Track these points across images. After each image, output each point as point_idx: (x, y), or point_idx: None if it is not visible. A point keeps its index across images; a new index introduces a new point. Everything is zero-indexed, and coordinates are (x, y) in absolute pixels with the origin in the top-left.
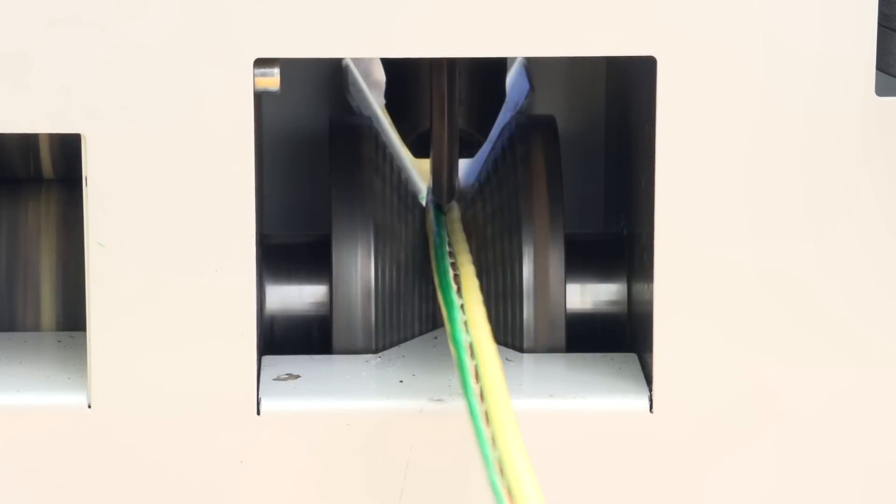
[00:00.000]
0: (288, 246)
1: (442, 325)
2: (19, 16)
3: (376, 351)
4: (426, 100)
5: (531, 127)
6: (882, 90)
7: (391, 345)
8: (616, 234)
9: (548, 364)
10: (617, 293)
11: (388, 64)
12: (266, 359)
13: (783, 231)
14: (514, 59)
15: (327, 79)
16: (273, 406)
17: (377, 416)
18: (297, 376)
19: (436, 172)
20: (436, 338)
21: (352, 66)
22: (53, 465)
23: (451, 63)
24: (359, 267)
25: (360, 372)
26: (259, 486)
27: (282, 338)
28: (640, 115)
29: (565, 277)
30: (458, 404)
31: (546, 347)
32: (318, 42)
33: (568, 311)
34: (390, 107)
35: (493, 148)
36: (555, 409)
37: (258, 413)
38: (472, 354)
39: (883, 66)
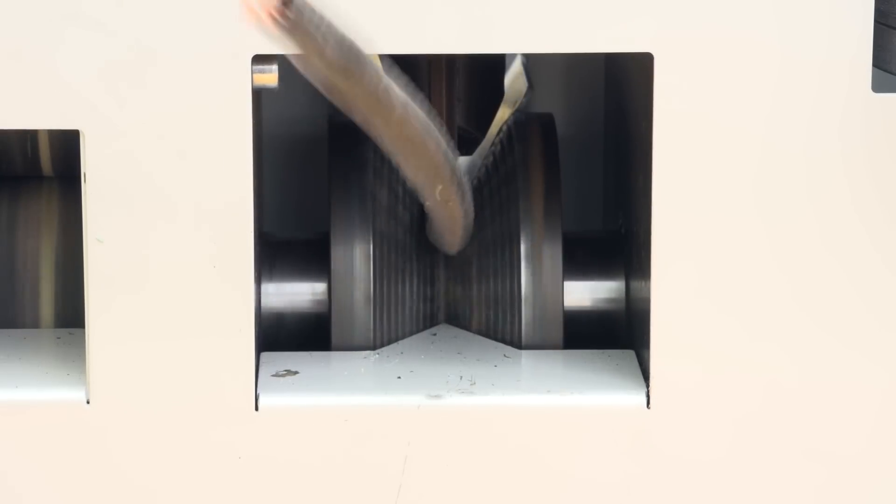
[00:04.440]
0: (286, 243)
1: (440, 321)
2: (18, 12)
3: (374, 347)
4: (424, 97)
5: (529, 125)
6: (878, 87)
7: (389, 341)
8: (614, 231)
9: (545, 360)
10: (615, 290)
11: None
12: (264, 355)
13: (780, 228)
14: (512, 56)
15: None
16: (271, 402)
17: (375, 412)
18: (296, 372)
19: None
20: (434, 335)
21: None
22: (52, 460)
23: (450, 60)
24: (357, 264)
25: (359, 368)
26: (257, 481)
27: (280, 334)
28: (637, 113)
29: (563, 275)
30: (456, 401)
31: (544, 344)
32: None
33: (566, 309)
34: None
35: (491, 146)
36: (552, 405)
37: (256, 409)
38: None
39: (879, 62)
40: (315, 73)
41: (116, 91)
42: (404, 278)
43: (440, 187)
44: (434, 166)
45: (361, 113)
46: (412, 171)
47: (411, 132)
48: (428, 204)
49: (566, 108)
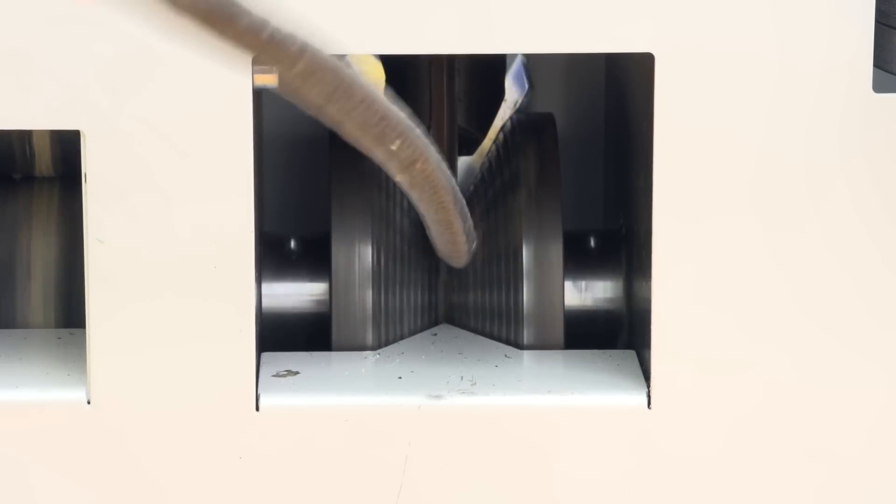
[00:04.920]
0: (287, 243)
1: (441, 321)
2: (18, 12)
3: (375, 348)
4: (425, 97)
5: (530, 124)
6: (879, 87)
7: (390, 341)
8: (615, 231)
9: (546, 360)
10: (615, 290)
11: (387, 61)
12: (265, 355)
13: (781, 227)
14: (513, 56)
15: None
16: (272, 402)
17: (376, 412)
18: (296, 373)
19: None
20: (435, 335)
21: (352, 64)
22: (53, 460)
23: (451, 60)
24: (358, 264)
25: (359, 368)
26: (258, 481)
27: (281, 335)
28: (638, 113)
29: (564, 274)
30: (457, 401)
31: (545, 344)
32: (317, 39)
33: (566, 308)
34: None
35: (491, 146)
36: (553, 405)
37: (257, 409)
38: None
39: (880, 62)
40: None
41: (116, 91)
42: (405, 278)
43: (398, 142)
44: (379, 117)
45: (259, 64)
46: (353, 127)
47: (324, 76)
48: (399, 179)
49: (566, 108)
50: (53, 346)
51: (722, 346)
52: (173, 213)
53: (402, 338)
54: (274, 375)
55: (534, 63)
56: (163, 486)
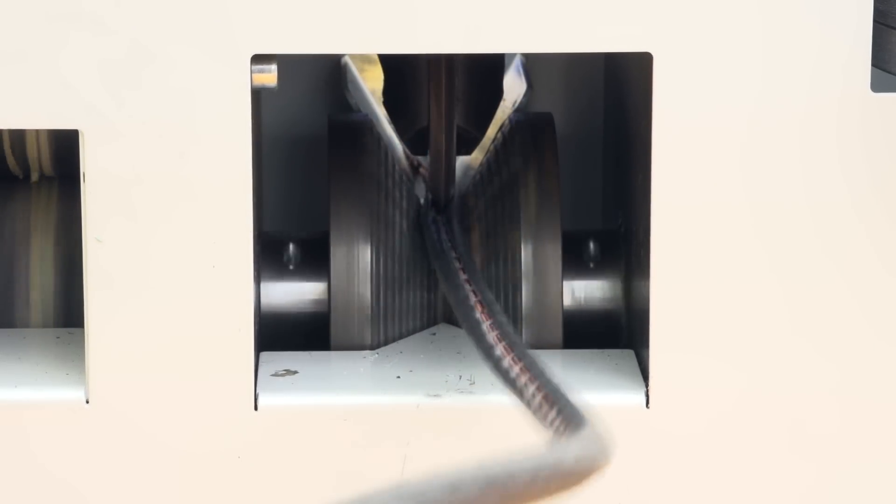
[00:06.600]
0: (286, 242)
1: (439, 321)
2: (18, 12)
3: (374, 347)
4: (424, 97)
5: (529, 124)
6: (878, 86)
7: (389, 341)
8: (613, 230)
9: (545, 360)
10: (614, 290)
11: (386, 60)
12: (264, 355)
13: (780, 227)
14: (512, 56)
15: (325, 76)
16: (271, 401)
17: (374, 411)
18: (295, 372)
19: (434, 169)
20: (434, 334)
21: (350, 64)
22: (52, 460)
23: (450, 60)
24: (357, 264)
25: (358, 368)
26: (256, 481)
27: (279, 334)
28: (636, 112)
29: (562, 274)
30: (455, 400)
31: (543, 344)
32: (316, 38)
33: (565, 308)
34: (388, 104)
35: (491, 145)
36: None
37: (256, 409)
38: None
39: (878, 62)
40: None
41: (116, 91)
42: (404, 278)
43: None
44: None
45: None
46: None
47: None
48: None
49: (566, 107)
50: (52, 346)
51: (720, 345)
52: (172, 212)
53: (400, 337)
54: (273, 375)
55: (533, 63)
56: (162, 486)
